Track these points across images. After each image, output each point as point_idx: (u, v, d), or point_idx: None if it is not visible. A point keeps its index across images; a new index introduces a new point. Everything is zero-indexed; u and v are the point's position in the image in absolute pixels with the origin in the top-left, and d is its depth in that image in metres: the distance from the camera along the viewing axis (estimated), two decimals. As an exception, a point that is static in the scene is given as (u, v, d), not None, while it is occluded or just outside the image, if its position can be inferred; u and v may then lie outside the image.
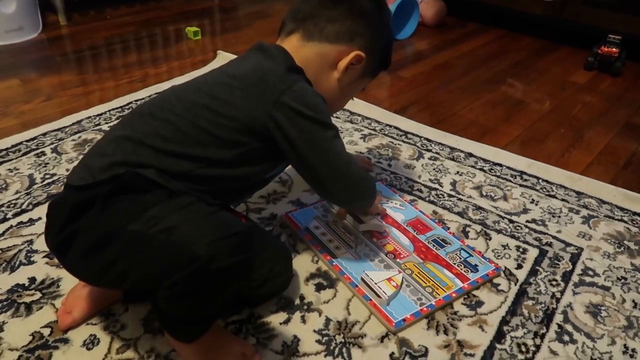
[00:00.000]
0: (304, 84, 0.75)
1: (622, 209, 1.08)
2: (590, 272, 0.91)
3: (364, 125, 1.36)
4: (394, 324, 0.76)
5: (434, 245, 0.93)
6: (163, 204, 0.63)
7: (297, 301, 0.81)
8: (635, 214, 1.07)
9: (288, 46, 0.79)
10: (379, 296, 0.80)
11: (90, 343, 0.73)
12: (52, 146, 1.19)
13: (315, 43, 0.79)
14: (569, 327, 0.80)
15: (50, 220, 0.68)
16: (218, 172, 0.71)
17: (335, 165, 0.77)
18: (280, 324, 0.77)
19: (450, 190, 1.11)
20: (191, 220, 0.61)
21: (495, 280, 0.87)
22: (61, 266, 0.84)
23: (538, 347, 0.76)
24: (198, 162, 0.69)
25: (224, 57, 1.71)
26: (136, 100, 1.42)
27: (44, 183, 1.06)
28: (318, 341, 0.75)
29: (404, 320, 0.77)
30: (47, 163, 1.13)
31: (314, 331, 0.77)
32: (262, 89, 0.72)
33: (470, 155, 1.25)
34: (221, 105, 0.71)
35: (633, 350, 0.77)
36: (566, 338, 0.78)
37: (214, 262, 0.58)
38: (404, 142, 1.29)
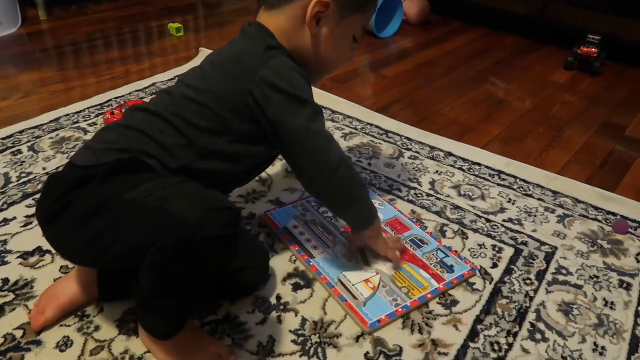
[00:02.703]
0: (282, 59, 0.74)
1: (596, 209, 1.10)
2: (564, 271, 0.92)
3: (345, 124, 1.36)
4: (368, 325, 0.77)
5: (411, 246, 0.93)
6: (159, 179, 0.67)
7: (274, 301, 0.82)
8: (609, 213, 1.08)
9: (262, 20, 0.78)
10: (355, 298, 0.80)
11: (64, 345, 0.72)
12: (29, 144, 1.17)
13: (278, 10, 0.77)
14: (541, 326, 0.81)
15: (47, 189, 0.69)
16: (214, 164, 0.73)
17: (312, 145, 0.74)
18: (257, 324, 0.78)
19: (429, 189, 1.12)
20: (184, 193, 0.64)
21: (471, 280, 0.89)
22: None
23: (511, 345, 0.78)
24: (194, 154, 0.72)
25: (206, 55, 1.69)
26: (116, 98, 1.40)
27: (19, 182, 1.05)
28: (294, 341, 0.75)
29: (378, 321, 0.78)
30: (24, 162, 1.11)
31: (290, 331, 0.77)
32: (240, 70, 0.74)
33: (450, 154, 1.26)
34: (205, 95, 0.73)
35: (603, 348, 0.78)
36: (538, 336, 0.79)
37: (203, 230, 0.59)
38: (384, 141, 1.30)
